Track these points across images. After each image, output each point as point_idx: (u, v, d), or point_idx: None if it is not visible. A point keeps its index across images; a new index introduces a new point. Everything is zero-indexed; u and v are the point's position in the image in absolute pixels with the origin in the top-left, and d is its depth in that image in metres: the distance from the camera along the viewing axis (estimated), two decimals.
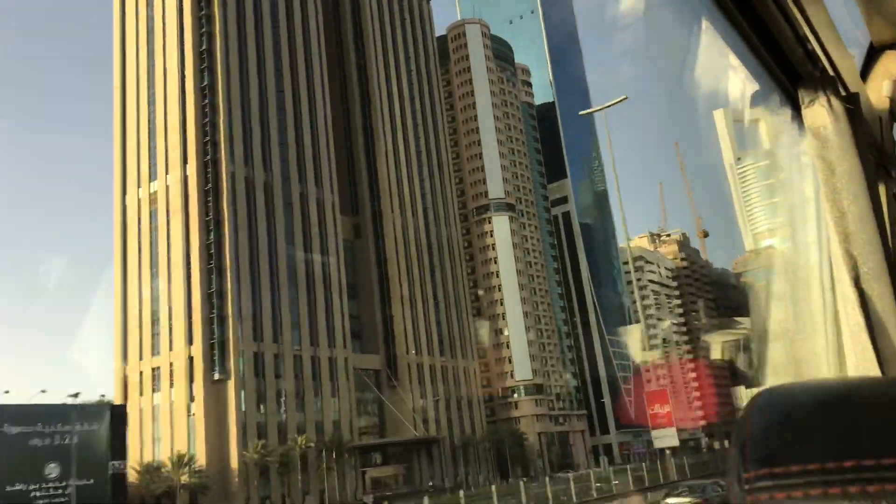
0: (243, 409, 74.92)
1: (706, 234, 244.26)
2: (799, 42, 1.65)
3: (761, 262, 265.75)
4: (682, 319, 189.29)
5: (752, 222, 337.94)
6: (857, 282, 1.59)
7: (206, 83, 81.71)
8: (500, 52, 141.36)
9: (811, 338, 1.99)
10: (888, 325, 1.56)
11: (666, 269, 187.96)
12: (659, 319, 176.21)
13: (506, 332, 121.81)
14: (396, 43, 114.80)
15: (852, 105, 1.75)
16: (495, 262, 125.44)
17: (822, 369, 1.95)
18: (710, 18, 1.69)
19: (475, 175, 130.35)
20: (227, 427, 73.33)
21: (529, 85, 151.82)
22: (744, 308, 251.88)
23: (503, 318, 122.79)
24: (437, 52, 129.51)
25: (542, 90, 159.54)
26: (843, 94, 1.76)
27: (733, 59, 1.84)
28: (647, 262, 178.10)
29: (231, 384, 74.50)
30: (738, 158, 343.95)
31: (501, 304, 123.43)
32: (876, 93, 1.91)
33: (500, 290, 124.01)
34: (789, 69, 1.76)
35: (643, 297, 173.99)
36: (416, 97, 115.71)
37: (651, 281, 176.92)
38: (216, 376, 74.52)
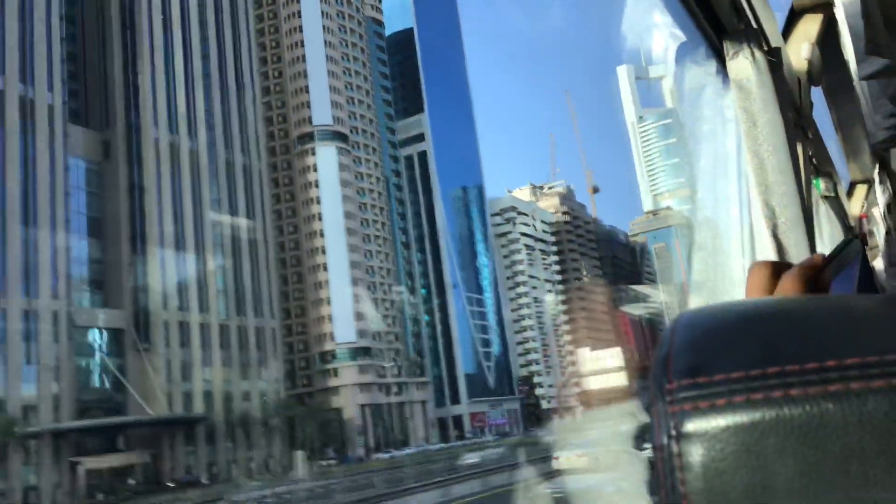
0: None
1: (597, 190, 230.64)
2: None
3: (660, 223, 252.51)
4: (559, 277, 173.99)
5: (653, 183, 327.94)
6: (774, 231, 1.60)
7: None
8: None
9: (731, 288, 1.97)
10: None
11: (543, 222, 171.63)
12: (531, 277, 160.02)
13: (327, 287, 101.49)
14: None
15: (775, 59, 1.77)
16: (318, 202, 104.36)
17: None
18: None
19: (299, 97, 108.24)
20: None
21: None
22: (635, 267, 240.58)
23: (324, 270, 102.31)
24: None
25: (401, 13, 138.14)
26: (766, 49, 1.78)
27: (660, 10, 1.86)
28: (520, 213, 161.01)
29: None
30: (641, 117, 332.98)
31: (323, 252, 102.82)
32: (795, 54, 1.92)
33: (321, 235, 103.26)
34: (715, 22, 1.76)
35: (514, 252, 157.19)
36: None
37: (524, 234, 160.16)
38: None
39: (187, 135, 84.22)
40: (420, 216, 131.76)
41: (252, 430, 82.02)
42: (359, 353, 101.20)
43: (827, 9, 1.85)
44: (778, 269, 0.64)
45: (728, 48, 1.76)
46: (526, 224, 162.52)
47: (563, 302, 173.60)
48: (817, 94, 2.07)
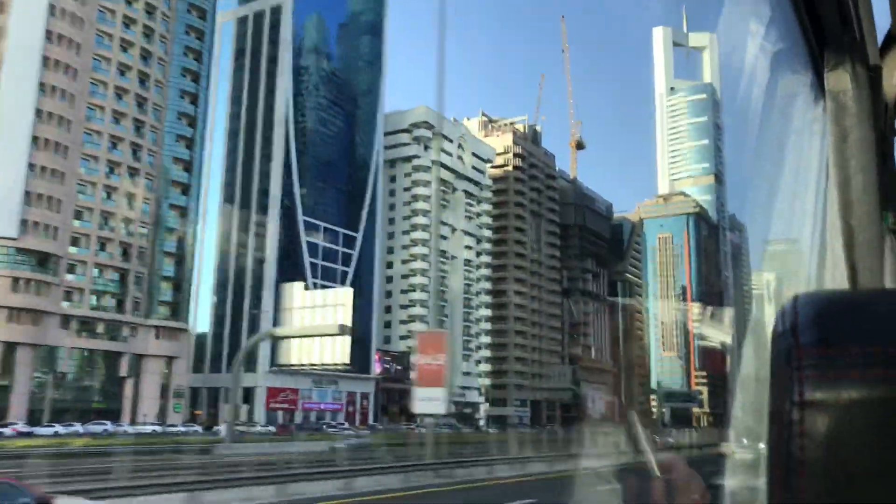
0: None
1: (581, 146, 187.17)
2: (837, 3, 1.64)
3: (671, 210, 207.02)
4: (489, 234, 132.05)
5: (674, 164, 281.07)
6: (850, 252, 1.59)
7: None
8: None
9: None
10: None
11: (477, 157, 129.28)
12: (442, 223, 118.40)
13: None
14: None
15: (875, 78, 1.77)
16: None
17: None
18: None
19: None
20: None
21: None
22: (616, 249, 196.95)
23: None
24: None
25: None
26: (867, 66, 1.78)
27: (760, 11, 1.87)
28: (438, 134, 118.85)
29: None
30: (672, 88, 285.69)
31: None
32: (888, 78, 1.89)
33: None
34: (818, 31, 1.75)
35: (418, 185, 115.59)
36: None
37: (440, 164, 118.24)
38: None
39: None
40: (257, 92, 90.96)
41: None
42: (21, 257, 61.45)
43: None
44: None
45: (829, 58, 1.73)
46: (447, 153, 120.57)
47: (490, 266, 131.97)
48: None
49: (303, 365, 44.50)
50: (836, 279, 1.59)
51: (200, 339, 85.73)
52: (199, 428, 68.45)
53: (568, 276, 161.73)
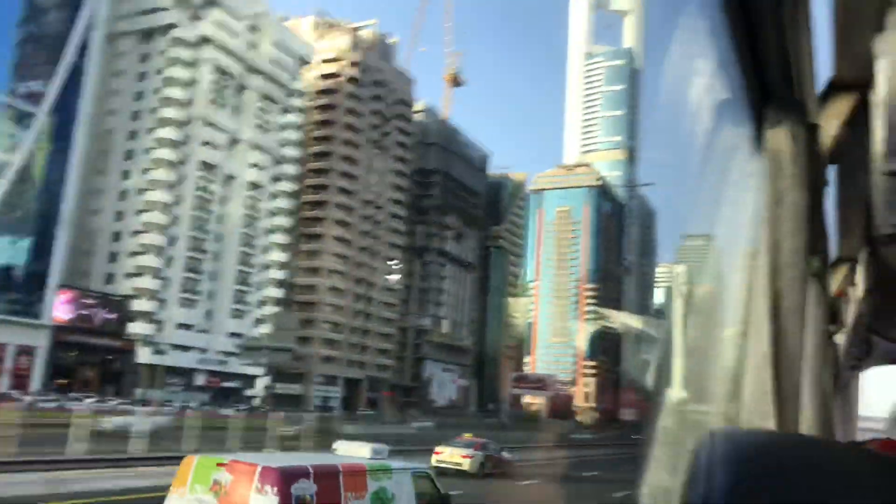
0: None
1: (458, 83, 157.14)
2: (781, 61, 1.60)
3: (573, 181, 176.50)
4: (296, 153, 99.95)
5: (586, 133, 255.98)
6: (774, 315, 1.56)
7: None
8: None
9: (718, 358, 1.97)
10: (792, 366, 1.54)
11: (283, 50, 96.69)
12: (210, 124, 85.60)
13: None
14: None
15: (812, 137, 1.74)
16: None
17: (718, 387, 1.90)
18: (702, 15, 1.63)
19: None
20: None
21: None
22: (492, 210, 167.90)
23: None
24: None
25: None
26: (806, 125, 1.75)
27: (707, 60, 1.80)
28: (213, 2, 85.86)
29: None
30: (588, 53, 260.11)
31: None
32: (824, 131, 1.88)
33: None
34: (761, 85, 1.71)
35: (175, 64, 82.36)
36: None
37: (213, 43, 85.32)
38: None
39: None
40: None
41: None
42: None
43: (863, 89, 1.71)
44: None
45: (770, 117, 1.67)
46: (231, 31, 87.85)
47: (298, 197, 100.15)
48: (831, 170, 2.01)
49: None
50: (760, 338, 1.51)
51: None
52: None
53: (424, 232, 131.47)
